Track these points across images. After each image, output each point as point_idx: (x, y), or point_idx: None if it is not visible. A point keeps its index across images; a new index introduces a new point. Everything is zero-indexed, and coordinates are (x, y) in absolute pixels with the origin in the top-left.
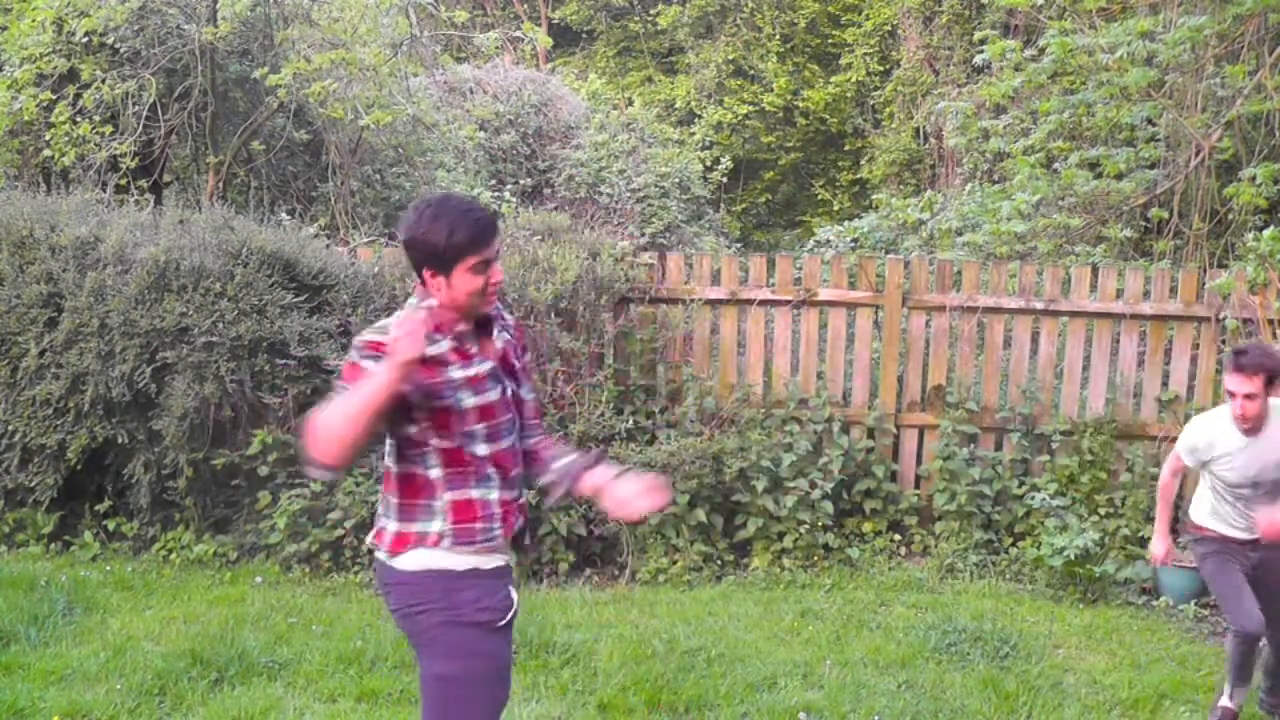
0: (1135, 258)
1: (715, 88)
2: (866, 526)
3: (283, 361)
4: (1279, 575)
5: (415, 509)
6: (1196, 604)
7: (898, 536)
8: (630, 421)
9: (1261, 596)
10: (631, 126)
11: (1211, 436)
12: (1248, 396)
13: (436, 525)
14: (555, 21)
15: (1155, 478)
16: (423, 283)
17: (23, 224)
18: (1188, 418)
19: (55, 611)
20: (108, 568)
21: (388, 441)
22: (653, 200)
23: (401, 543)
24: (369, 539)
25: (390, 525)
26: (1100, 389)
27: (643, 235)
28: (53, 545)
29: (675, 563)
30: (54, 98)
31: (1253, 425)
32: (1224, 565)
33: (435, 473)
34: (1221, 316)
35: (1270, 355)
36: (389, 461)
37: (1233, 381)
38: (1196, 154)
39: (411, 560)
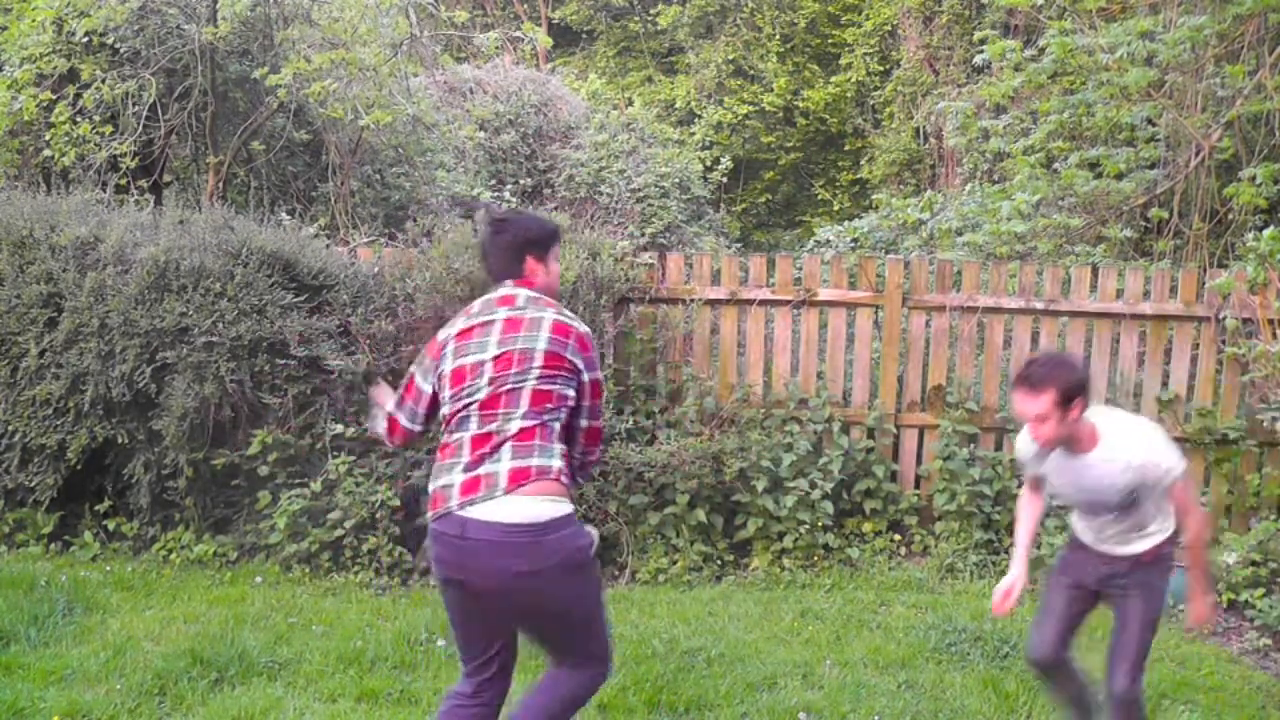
0: (1135, 258)
1: (715, 88)
2: (866, 526)
3: (283, 361)
4: (1123, 603)
5: (535, 448)
6: None
7: (898, 536)
8: (630, 421)
9: (1114, 621)
10: (631, 126)
11: (1030, 447)
12: (1037, 418)
13: (557, 462)
14: (555, 21)
15: None
16: (520, 277)
17: (23, 224)
18: (1188, 418)
19: (55, 611)
20: (108, 568)
21: (528, 392)
22: (653, 200)
23: (523, 476)
24: (455, 496)
25: (503, 465)
26: (1100, 389)
27: (643, 235)
28: (53, 545)
29: (675, 563)
30: (54, 98)
31: (1057, 447)
32: (1055, 580)
33: (557, 424)
34: (1221, 316)
35: (1062, 366)
36: (524, 409)
37: (1017, 399)
38: (1196, 154)
39: (535, 509)
